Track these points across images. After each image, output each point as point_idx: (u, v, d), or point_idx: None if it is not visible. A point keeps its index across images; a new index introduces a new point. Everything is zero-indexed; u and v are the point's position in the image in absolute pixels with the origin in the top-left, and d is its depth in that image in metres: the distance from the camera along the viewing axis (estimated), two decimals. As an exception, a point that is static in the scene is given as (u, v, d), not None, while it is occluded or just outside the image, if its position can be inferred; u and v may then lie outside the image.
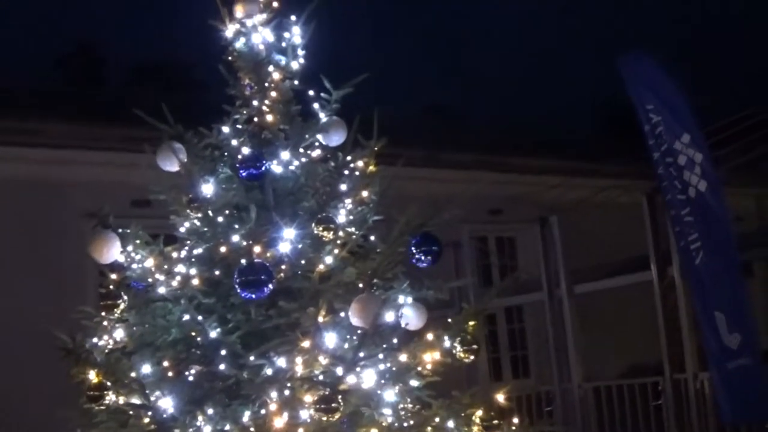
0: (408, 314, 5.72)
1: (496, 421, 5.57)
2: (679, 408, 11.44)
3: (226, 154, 6.22)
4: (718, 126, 13.37)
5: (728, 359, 9.37)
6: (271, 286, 5.20)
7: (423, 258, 5.66)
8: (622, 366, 15.65)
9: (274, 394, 5.20)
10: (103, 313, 6.08)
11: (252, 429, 5.26)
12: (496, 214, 17.08)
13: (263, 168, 5.85)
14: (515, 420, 5.70)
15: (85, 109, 15.23)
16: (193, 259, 5.93)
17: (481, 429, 5.55)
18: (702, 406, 11.12)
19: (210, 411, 5.41)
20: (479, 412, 5.57)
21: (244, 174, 5.83)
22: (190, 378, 5.67)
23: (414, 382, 5.74)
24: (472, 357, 5.81)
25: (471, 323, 5.81)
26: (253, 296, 5.23)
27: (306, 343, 5.21)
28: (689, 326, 11.17)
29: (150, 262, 5.94)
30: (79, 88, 18.51)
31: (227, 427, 5.36)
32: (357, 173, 6.21)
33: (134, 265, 6.01)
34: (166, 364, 5.76)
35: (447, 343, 5.74)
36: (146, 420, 5.33)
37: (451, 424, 5.60)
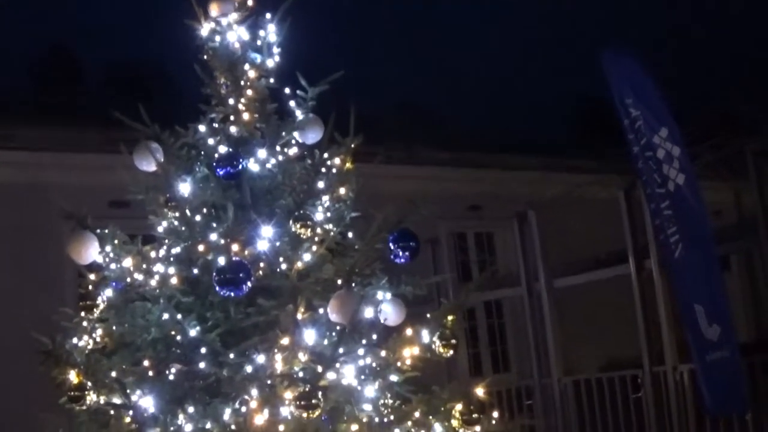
0: (387, 310, 5.73)
1: (475, 415, 5.60)
2: (659, 400, 11.50)
3: (202, 153, 6.22)
4: (696, 121, 13.46)
5: (708, 351, 9.45)
6: (249, 284, 5.20)
7: (401, 254, 5.67)
8: (601, 359, 15.70)
9: (254, 392, 5.21)
10: (82, 314, 6.07)
11: (233, 427, 5.26)
12: (475, 210, 17.12)
13: (240, 167, 5.84)
14: (495, 414, 5.73)
15: (59, 111, 15.18)
16: (171, 259, 5.92)
17: (460, 423, 5.57)
18: (681, 399, 11.18)
19: (191, 409, 5.40)
20: (459, 407, 5.59)
21: (221, 173, 5.82)
22: (171, 377, 5.67)
23: (394, 378, 5.76)
24: (451, 352, 5.83)
25: (450, 318, 5.83)
26: (232, 294, 5.23)
27: (285, 341, 5.24)
28: (668, 319, 11.24)
29: (128, 262, 5.94)
30: (52, 91, 18.39)
31: (208, 426, 5.36)
32: (334, 171, 6.21)
33: (113, 265, 6.01)
34: (146, 363, 5.75)
35: (426, 339, 5.76)
36: (127, 420, 5.32)
37: (431, 418, 5.62)
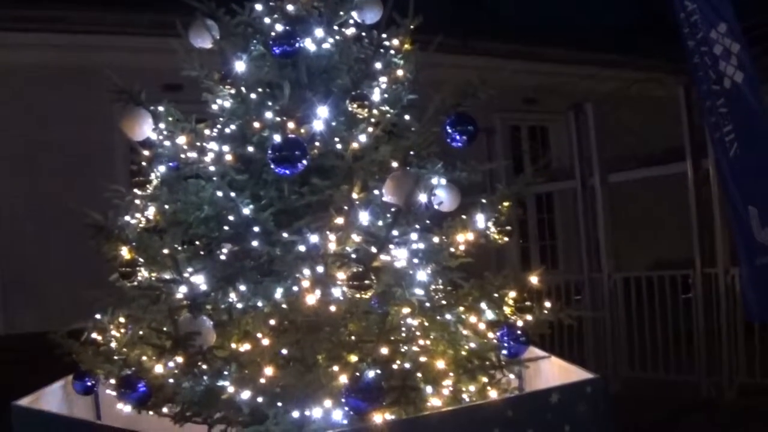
0: (441, 195, 5.65)
1: (528, 303, 5.55)
2: (708, 302, 11.42)
3: (258, 31, 6.10)
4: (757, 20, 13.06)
5: (758, 255, 9.27)
6: (305, 162, 5.13)
7: (458, 137, 5.55)
8: (649, 258, 15.62)
9: (306, 271, 5.18)
10: (135, 191, 6.07)
11: (284, 305, 5.26)
12: (530, 103, 16.94)
13: (297, 45, 5.72)
14: (547, 303, 5.67)
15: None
16: (225, 137, 5.87)
17: (513, 311, 5.53)
18: (732, 302, 11.10)
19: (242, 288, 5.41)
20: (512, 294, 5.54)
21: (277, 51, 5.70)
22: (222, 256, 5.67)
23: (446, 263, 5.71)
24: (506, 239, 5.77)
25: (506, 204, 5.75)
26: (287, 172, 5.15)
27: (339, 221, 5.18)
28: (722, 220, 11.08)
29: (182, 140, 5.89)
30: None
31: (259, 304, 5.37)
32: (392, 51, 6.08)
33: (166, 143, 5.97)
34: (197, 241, 5.75)
35: (481, 224, 5.70)
36: (178, 296, 5.33)
37: (483, 305, 5.58)
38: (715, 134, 9.61)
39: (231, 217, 5.55)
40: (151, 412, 5.30)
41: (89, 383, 5.68)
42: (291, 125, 5.35)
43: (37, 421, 5.31)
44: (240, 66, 5.93)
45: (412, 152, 5.63)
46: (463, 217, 5.70)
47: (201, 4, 6.04)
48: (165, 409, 5.30)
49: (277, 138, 5.27)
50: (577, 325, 12.18)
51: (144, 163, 6.09)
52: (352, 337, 5.17)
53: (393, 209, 5.39)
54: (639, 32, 19.52)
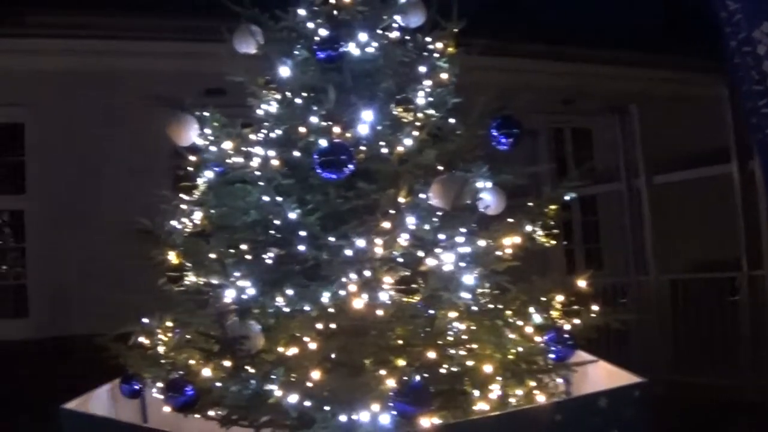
0: (487, 198, 5.64)
1: (576, 307, 5.52)
2: (755, 305, 11.30)
3: (302, 36, 6.12)
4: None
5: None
6: (351, 166, 5.13)
7: (504, 140, 5.54)
8: (694, 260, 15.48)
9: (353, 276, 5.18)
10: (181, 196, 6.10)
11: (331, 310, 5.26)
12: (572, 104, 16.86)
13: (341, 49, 5.73)
14: (595, 307, 5.63)
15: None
16: (271, 141, 5.88)
17: (560, 314, 5.50)
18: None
19: (289, 292, 5.42)
20: (559, 297, 5.51)
21: (321, 56, 5.72)
22: (268, 260, 5.68)
23: (493, 266, 5.69)
24: (553, 242, 5.75)
25: (552, 207, 5.72)
26: (334, 177, 5.16)
27: (386, 225, 5.17)
28: (768, 222, 10.98)
29: (227, 145, 5.91)
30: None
31: (306, 308, 5.38)
32: (436, 55, 6.08)
33: (212, 148, 5.99)
34: (243, 246, 5.77)
35: (528, 228, 5.67)
36: (226, 300, 5.35)
37: (531, 308, 5.55)
38: (758, 135, 9.48)
39: (277, 222, 5.56)
40: (197, 416, 5.32)
41: (136, 386, 5.72)
42: (337, 129, 5.37)
43: (85, 424, 5.35)
44: (284, 71, 5.95)
45: (458, 155, 5.61)
46: (510, 220, 5.67)
47: (246, 10, 6.08)
48: (211, 413, 5.32)
49: (323, 142, 5.28)
50: (622, 327, 12.08)
51: (189, 168, 6.12)
52: (400, 341, 5.16)
53: (439, 213, 5.38)
54: (680, 31, 19.39)
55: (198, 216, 6.01)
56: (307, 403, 4.96)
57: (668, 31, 20.54)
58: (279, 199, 5.50)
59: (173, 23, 14.46)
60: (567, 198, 5.89)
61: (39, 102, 13.82)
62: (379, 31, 6.11)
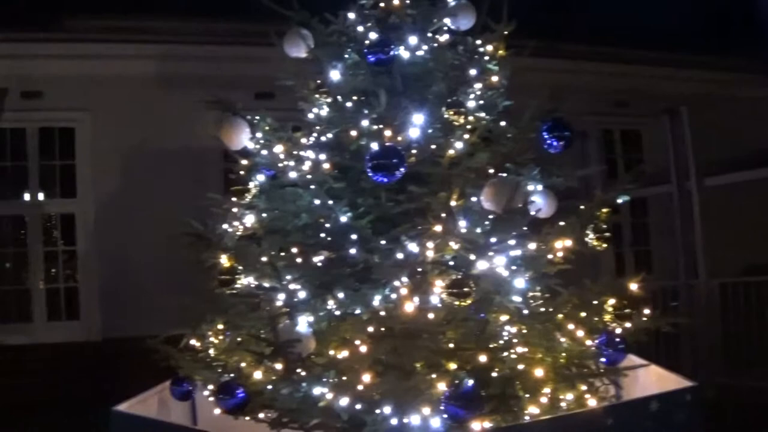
0: (539, 201, 5.61)
1: (628, 311, 5.47)
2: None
3: (352, 40, 6.13)
4: None
5: None
6: (403, 169, 5.13)
7: (555, 143, 5.51)
8: (747, 263, 15.29)
9: (404, 279, 5.18)
10: (233, 199, 6.14)
11: (382, 313, 5.26)
12: (621, 106, 16.74)
13: (391, 53, 5.73)
14: (647, 311, 5.58)
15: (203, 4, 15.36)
16: (322, 145, 5.90)
17: (612, 318, 5.45)
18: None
19: (340, 295, 5.43)
20: (611, 301, 5.47)
21: (372, 59, 5.73)
22: (319, 263, 5.69)
23: (545, 270, 5.66)
24: (605, 245, 5.70)
25: (604, 210, 5.69)
26: (386, 180, 5.16)
27: (437, 228, 5.16)
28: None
29: (279, 148, 5.94)
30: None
31: (357, 311, 5.38)
32: (486, 58, 6.06)
33: (263, 151, 6.03)
34: (295, 249, 5.79)
35: (579, 231, 5.64)
36: (278, 303, 5.37)
37: (582, 312, 5.52)
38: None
39: (328, 225, 5.59)
40: (247, 418, 5.34)
41: (187, 388, 5.76)
42: (388, 133, 5.36)
43: (136, 426, 5.39)
44: (335, 74, 5.98)
45: (509, 158, 5.59)
46: (561, 223, 5.64)
47: (296, 14, 6.10)
48: (261, 415, 5.34)
49: (375, 146, 5.28)
50: (672, 331, 11.97)
51: (242, 172, 6.15)
52: (451, 345, 5.14)
53: (491, 216, 5.36)
54: (729, 32, 19.20)
55: (249, 219, 6.04)
56: (358, 406, 4.97)
57: (721, 33, 20.36)
58: (330, 202, 5.52)
59: (224, 27, 14.53)
60: (619, 201, 5.84)
61: (91, 106, 13.95)
62: (430, 34, 6.12)
